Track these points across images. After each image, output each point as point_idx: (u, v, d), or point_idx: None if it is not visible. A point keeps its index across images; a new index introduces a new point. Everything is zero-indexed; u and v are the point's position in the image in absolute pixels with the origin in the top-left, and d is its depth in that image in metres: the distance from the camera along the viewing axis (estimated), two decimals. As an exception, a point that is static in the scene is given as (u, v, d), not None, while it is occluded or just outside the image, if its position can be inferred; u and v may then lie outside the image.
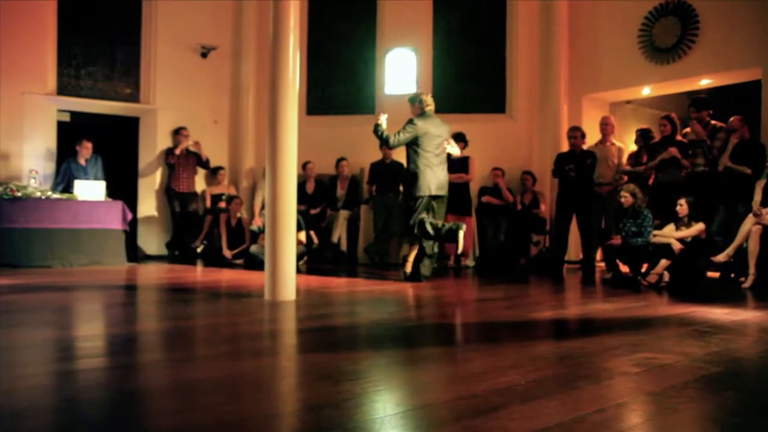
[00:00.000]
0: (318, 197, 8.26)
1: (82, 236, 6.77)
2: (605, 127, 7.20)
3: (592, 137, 7.25)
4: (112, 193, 7.28)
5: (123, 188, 7.86)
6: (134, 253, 7.82)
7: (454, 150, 5.87)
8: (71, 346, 2.74)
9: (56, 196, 6.85)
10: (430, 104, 5.66)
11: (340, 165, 8.20)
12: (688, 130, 6.61)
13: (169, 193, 8.29)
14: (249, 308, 3.93)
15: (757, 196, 5.47)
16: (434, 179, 5.48)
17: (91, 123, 8.27)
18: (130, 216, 7.19)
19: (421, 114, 5.59)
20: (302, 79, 8.77)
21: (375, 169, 7.91)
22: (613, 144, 7.22)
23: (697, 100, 6.50)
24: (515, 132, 8.45)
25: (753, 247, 5.27)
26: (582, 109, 8.10)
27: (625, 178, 6.97)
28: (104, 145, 7.98)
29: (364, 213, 8.15)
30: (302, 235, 6.58)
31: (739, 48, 6.59)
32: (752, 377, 2.38)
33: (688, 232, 5.51)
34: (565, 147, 7.21)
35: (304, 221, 7.05)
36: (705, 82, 7.31)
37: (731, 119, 6.03)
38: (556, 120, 8.02)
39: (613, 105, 8.51)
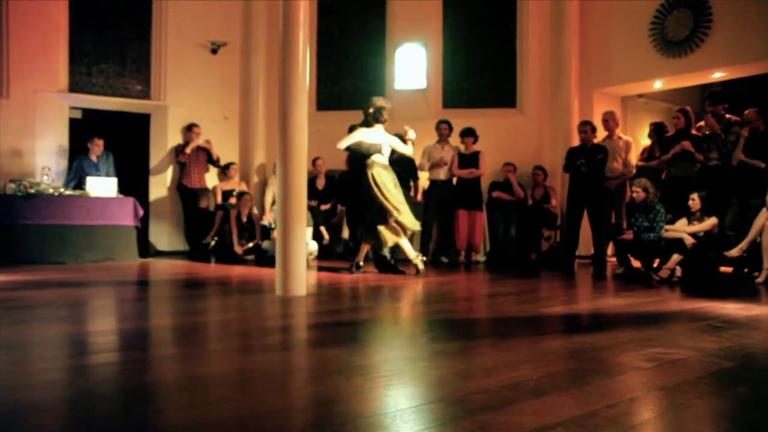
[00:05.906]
0: (328, 193, 8.26)
1: (94, 232, 6.81)
2: (607, 123, 7.13)
3: (603, 132, 7.20)
4: (123, 189, 7.31)
5: (134, 184, 7.88)
6: (146, 249, 7.86)
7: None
8: (85, 341, 2.77)
9: (69, 192, 6.90)
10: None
11: (349, 161, 8.18)
12: (702, 123, 6.55)
13: (180, 189, 8.33)
14: (260, 304, 3.96)
15: (771, 190, 5.42)
16: None
17: (103, 120, 8.30)
18: (141, 212, 7.23)
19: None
20: (312, 74, 8.77)
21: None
22: (620, 138, 7.16)
23: (712, 93, 6.43)
24: (526, 127, 8.40)
25: (767, 242, 5.22)
26: (593, 103, 8.03)
27: (634, 171, 6.92)
28: (115, 141, 8.01)
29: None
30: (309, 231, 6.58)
31: (753, 40, 6.50)
32: (766, 372, 2.36)
33: (700, 227, 5.46)
34: (576, 142, 7.16)
35: (315, 217, 7.05)
36: (718, 75, 7.22)
37: (746, 111, 5.97)
38: (567, 114, 7.96)
39: (624, 99, 8.44)
